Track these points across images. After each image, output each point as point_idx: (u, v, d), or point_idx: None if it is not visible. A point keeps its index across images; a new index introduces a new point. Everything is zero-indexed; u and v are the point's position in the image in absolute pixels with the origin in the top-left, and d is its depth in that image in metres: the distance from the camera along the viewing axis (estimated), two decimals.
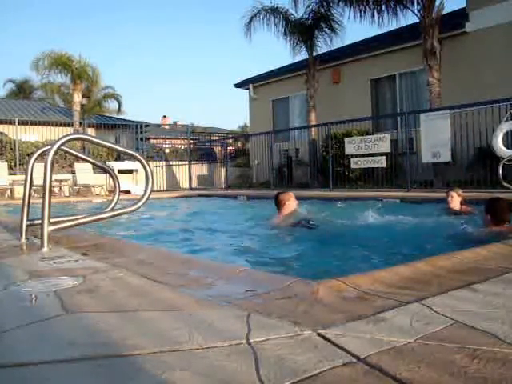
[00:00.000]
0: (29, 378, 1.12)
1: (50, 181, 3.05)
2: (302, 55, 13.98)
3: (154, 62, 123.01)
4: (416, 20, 10.62)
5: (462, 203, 5.23)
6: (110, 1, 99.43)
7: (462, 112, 9.08)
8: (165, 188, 15.71)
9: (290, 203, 4.83)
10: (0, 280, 2.16)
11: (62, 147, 3.36)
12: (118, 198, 4.00)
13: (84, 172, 13.67)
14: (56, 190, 12.59)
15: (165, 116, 41.96)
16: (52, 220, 3.17)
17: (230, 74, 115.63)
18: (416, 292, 1.76)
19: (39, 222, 3.13)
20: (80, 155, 4.73)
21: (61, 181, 12.97)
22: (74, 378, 1.11)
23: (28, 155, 13.21)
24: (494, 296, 1.70)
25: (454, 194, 5.23)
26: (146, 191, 3.36)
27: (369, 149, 10.21)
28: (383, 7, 11.45)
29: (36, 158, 3.57)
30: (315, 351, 1.21)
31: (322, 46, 13.88)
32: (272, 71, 16.74)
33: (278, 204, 4.85)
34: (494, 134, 8.19)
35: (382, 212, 5.28)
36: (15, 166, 14.03)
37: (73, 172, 14.12)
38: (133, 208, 3.46)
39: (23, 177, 3.89)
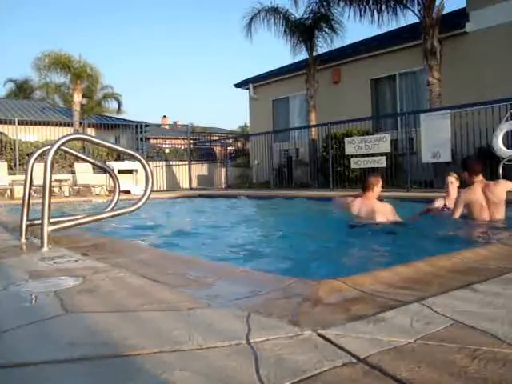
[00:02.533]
0: (29, 378, 1.12)
1: (50, 181, 3.05)
2: (302, 55, 14.00)
3: (154, 62, 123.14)
4: (416, 20, 10.62)
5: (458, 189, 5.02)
6: (110, 1, 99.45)
7: (462, 112, 9.08)
8: (165, 188, 15.71)
9: (379, 189, 4.68)
10: (0, 280, 2.16)
11: (62, 147, 3.36)
12: (118, 198, 4.00)
13: (84, 172, 13.67)
14: (56, 190, 12.59)
15: (165, 116, 42.02)
16: (52, 220, 3.17)
17: (230, 74, 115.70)
18: (416, 292, 1.76)
19: (39, 222, 3.13)
20: (80, 155, 4.72)
21: (61, 181, 12.97)
22: (74, 378, 1.11)
23: (28, 155, 13.19)
24: (494, 296, 1.70)
25: (453, 179, 5.06)
26: (145, 191, 3.36)
27: (369, 149, 10.21)
28: (383, 7, 11.44)
29: (36, 158, 3.57)
30: (315, 351, 1.20)
31: (323, 46, 13.90)
32: (272, 71, 16.74)
33: (367, 186, 4.65)
34: (494, 133, 8.19)
35: None
36: (15, 166, 14.03)
37: (73, 172, 14.12)
38: (133, 208, 3.46)
39: (23, 177, 3.89)
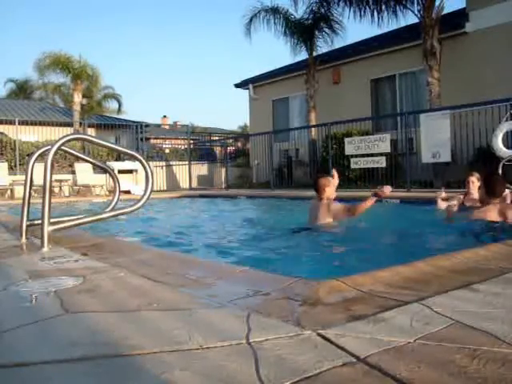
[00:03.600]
0: (29, 378, 1.12)
1: (50, 181, 3.05)
2: (302, 55, 14.01)
3: (154, 62, 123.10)
4: (416, 20, 10.62)
5: (479, 189, 4.79)
6: (110, 1, 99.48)
7: (462, 112, 9.08)
8: (165, 188, 15.71)
9: (332, 189, 4.41)
10: (0, 280, 2.16)
11: (62, 147, 3.36)
12: (118, 198, 4.00)
13: (84, 172, 13.68)
14: (56, 190, 12.59)
15: (165, 116, 41.97)
16: (52, 220, 3.17)
17: (230, 74, 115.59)
18: (416, 292, 1.76)
19: (39, 222, 3.13)
20: (80, 155, 4.73)
21: (61, 181, 12.97)
22: (74, 378, 1.11)
23: (28, 155, 13.19)
24: (494, 296, 1.70)
25: (474, 179, 4.97)
26: (145, 191, 3.37)
27: (369, 149, 10.20)
28: (383, 7, 11.45)
29: (36, 158, 3.57)
30: (315, 351, 1.21)
31: (323, 46, 13.91)
32: (272, 71, 16.74)
33: (317, 189, 4.41)
34: (493, 133, 8.19)
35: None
36: (15, 166, 14.03)
37: (73, 172, 14.12)
38: (133, 208, 3.47)
39: (23, 177, 3.89)
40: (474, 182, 5.02)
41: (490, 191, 4.02)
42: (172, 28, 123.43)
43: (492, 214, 3.97)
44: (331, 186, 4.43)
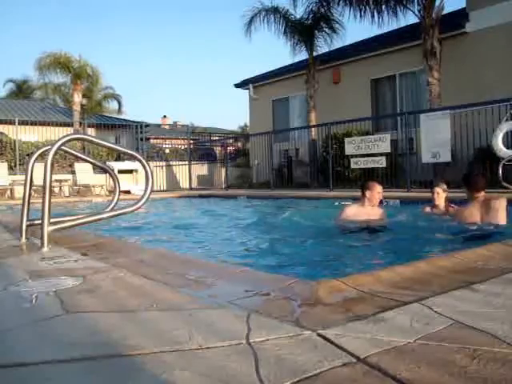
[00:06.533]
0: (29, 378, 1.12)
1: (50, 181, 3.05)
2: (302, 55, 14.00)
3: (155, 62, 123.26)
4: (416, 20, 10.62)
5: (446, 201, 4.96)
6: (110, 1, 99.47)
7: (462, 112, 9.08)
8: (165, 188, 15.71)
9: (379, 196, 4.61)
10: (0, 280, 2.16)
11: (62, 147, 3.36)
12: (118, 198, 4.00)
13: (84, 172, 13.68)
14: (56, 190, 12.58)
15: (165, 116, 41.97)
16: (52, 220, 3.17)
17: (230, 74, 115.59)
18: (416, 292, 1.76)
19: (39, 222, 3.13)
20: (80, 155, 4.73)
21: (61, 181, 12.97)
22: (74, 378, 1.11)
23: (28, 155, 13.19)
24: (494, 296, 1.70)
25: (439, 189, 4.99)
26: (145, 191, 3.36)
27: (369, 149, 10.20)
28: (383, 7, 11.44)
29: (36, 158, 3.57)
30: (315, 351, 1.21)
31: (323, 46, 13.89)
32: (272, 71, 16.73)
33: (364, 191, 4.60)
34: (494, 134, 8.19)
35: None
36: (15, 166, 14.03)
37: (73, 172, 14.12)
38: (133, 208, 3.46)
39: (23, 177, 3.89)
40: (440, 193, 4.97)
41: (473, 187, 4.17)
42: (172, 28, 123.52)
43: (473, 212, 4.14)
44: (380, 191, 4.67)
